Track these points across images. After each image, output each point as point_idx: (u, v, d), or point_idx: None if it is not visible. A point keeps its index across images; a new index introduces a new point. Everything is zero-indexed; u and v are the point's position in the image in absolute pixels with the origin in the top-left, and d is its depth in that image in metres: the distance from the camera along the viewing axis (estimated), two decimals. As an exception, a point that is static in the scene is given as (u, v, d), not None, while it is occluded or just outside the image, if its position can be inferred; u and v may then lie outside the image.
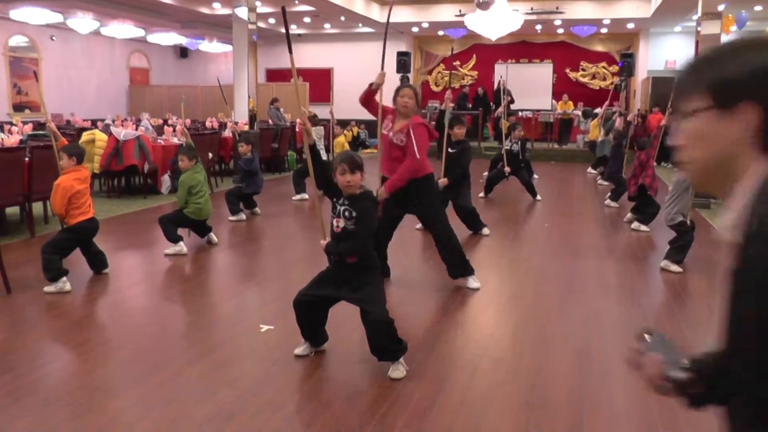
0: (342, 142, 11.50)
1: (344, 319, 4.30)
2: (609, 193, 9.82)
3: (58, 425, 3.07)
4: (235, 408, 3.24)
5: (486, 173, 11.11)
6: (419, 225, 7.56)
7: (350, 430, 3.06)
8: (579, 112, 17.24)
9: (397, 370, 3.65)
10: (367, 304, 3.61)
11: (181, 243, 6.41)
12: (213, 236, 6.89)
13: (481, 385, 3.56)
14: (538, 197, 10.22)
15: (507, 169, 10.03)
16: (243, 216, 8.20)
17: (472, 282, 5.39)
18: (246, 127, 13.32)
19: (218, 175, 11.95)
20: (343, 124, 13.25)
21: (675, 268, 5.88)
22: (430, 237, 7.30)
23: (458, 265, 5.39)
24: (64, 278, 5.16)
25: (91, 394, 3.42)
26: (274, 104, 15.20)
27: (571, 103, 18.50)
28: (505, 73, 19.82)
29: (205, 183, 6.72)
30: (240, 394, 3.39)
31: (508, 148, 10.28)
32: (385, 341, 3.63)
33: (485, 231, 7.52)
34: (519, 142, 10.41)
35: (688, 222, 5.98)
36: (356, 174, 3.57)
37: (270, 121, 14.78)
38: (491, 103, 18.61)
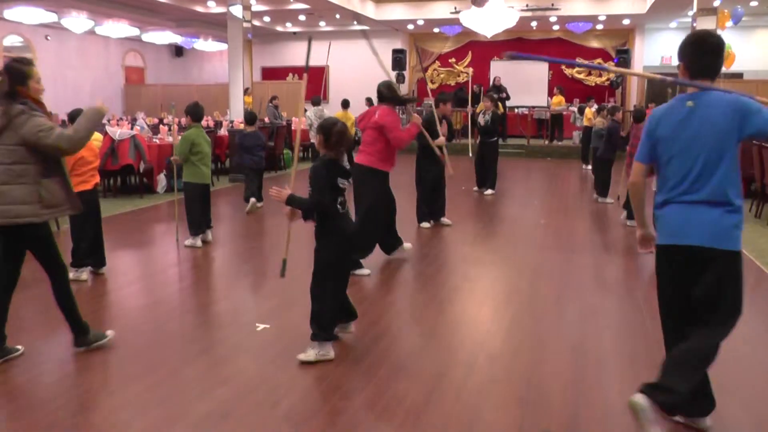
0: (340, 116, 11.69)
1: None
2: (599, 190, 9.75)
3: (54, 425, 3.07)
4: (231, 406, 3.24)
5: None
6: (424, 222, 7.58)
7: (346, 427, 3.06)
8: (575, 109, 17.22)
9: (306, 353, 3.76)
10: (313, 276, 3.86)
11: (198, 238, 6.70)
12: (209, 233, 6.91)
13: (477, 381, 3.57)
14: (490, 191, 10.23)
15: (470, 108, 10.07)
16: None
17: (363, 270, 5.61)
18: (242, 126, 13.32)
19: (215, 174, 11.93)
20: (345, 104, 13.32)
21: None
22: (429, 233, 7.33)
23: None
24: (84, 269, 5.45)
25: (87, 393, 3.42)
26: (273, 102, 15.19)
27: (562, 98, 18.35)
28: (499, 70, 19.83)
29: (207, 148, 6.72)
30: (235, 392, 3.40)
31: (480, 121, 10.29)
32: (312, 319, 3.80)
33: (424, 224, 7.61)
34: (490, 113, 10.26)
35: None
36: (318, 135, 3.80)
37: (267, 119, 14.76)
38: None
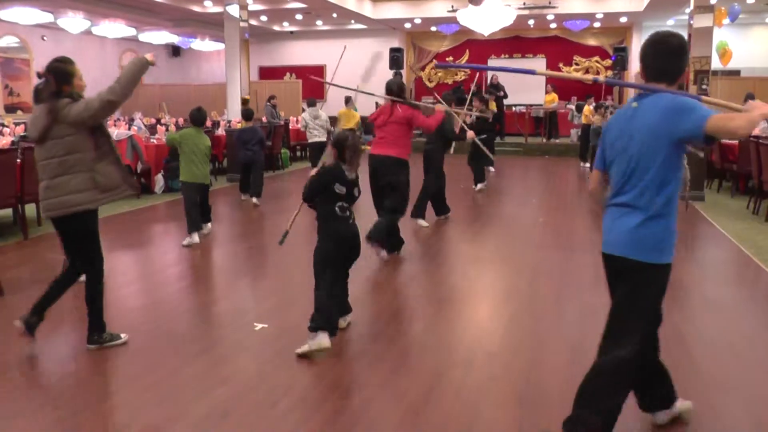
0: (344, 113, 12.10)
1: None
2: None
3: (52, 425, 3.07)
4: (230, 406, 3.24)
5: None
6: (421, 221, 7.59)
7: (345, 426, 3.06)
8: (572, 107, 17.22)
9: (302, 347, 3.83)
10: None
11: (195, 234, 6.76)
12: (208, 226, 7.02)
13: (476, 380, 3.57)
14: (479, 186, 10.39)
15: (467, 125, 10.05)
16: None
17: (384, 253, 6.06)
18: (239, 125, 13.34)
19: (212, 174, 11.91)
20: (347, 101, 13.52)
21: None
22: (427, 232, 7.33)
23: (381, 232, 6.00)
24: None
25: (86, 393, 3.42)
26: (271, 101, 15.18)
27: (555, 95, 18.32)
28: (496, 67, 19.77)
29: (201, 151, 6.78)
30: (234, 392, 3.39)
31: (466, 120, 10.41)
32: (315, 307, 3.90)
33: (421, 223, 7.64)
34: (477, 113, 10.43)
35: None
36: (333, 149, 4.08)
37: (264, 118, 14.75)
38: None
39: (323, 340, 3.79)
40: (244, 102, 9.70)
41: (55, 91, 3.74)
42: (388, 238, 6.25)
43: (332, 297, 3.94)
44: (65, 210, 3.74)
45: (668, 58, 2.62)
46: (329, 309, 3.89)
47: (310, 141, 10.87)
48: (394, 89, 6.21)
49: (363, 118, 12.73)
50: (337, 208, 3.96)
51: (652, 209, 2.54)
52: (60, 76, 3.78)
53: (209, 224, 7.11)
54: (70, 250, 3.99)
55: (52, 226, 7.38)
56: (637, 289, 2.62)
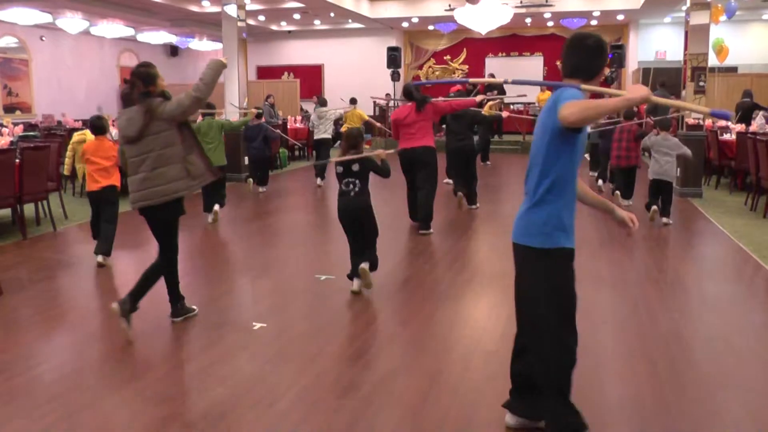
0: (349, 114, 12.41)
1: (333, 318, 4.33)
2: (597, 173, 10.47)
3: (51, 425, 3.07)
4: (228, 406, 3.24)
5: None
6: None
7: (344, 426, 3.07)
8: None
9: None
10: None
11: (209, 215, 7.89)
12: (217, 212, 7.81)
13: (474, 378, 3.58)
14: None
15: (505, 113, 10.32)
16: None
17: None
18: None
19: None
20: (353, 101, 13.66)
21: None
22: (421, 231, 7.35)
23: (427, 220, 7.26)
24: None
25: (84, 393, 3.42)
26: (268, 100, 15.19)
27: (549, 93, 18.26)
28: (494, 67, 19.76)
29: (212, 138, 7.87)
30: (232, 391, 3.40)
31: None
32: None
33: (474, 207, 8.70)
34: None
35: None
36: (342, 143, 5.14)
37: (263, 117, 14.74)
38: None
39: (354, 283, 4.98)
40: (258, 116, 10.21)
41: (144, 92, 4.12)
42: (423, 211, 7.25)
43: (353, 252, 5.06)
44: (165, 197, 4.14)
45: (582, 55, 2.69)
46: (353, 262, 5.05)
47: (315, 137, 11.68)
48: (414, 92, 7.14)
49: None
50: (342, 185, 5.01)
51: (536, 197, 2.66)
52: (147, 79, 4.15)
53: (210, 216, 7.74)
54: (158, 236, 4.39)
55: (52, 227, 7.38)
56: (526, 276, 2.80)
